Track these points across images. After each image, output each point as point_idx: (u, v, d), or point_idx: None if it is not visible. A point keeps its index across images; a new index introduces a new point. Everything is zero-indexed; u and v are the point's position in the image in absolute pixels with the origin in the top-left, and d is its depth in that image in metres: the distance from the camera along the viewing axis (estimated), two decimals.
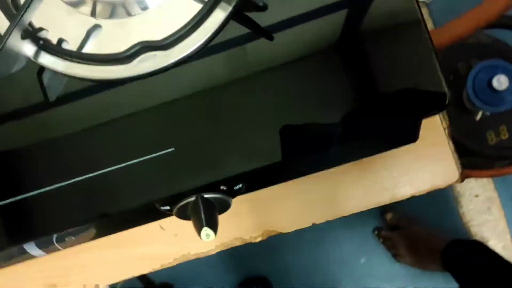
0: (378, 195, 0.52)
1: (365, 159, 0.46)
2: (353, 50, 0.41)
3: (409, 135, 0.43)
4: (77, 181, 0.40)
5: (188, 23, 0.39)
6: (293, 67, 0.41)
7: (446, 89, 0.36)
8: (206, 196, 0.42)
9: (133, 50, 0.38)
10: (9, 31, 0.36)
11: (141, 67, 0.39)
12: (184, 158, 0.40)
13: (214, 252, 0.55)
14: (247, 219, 0.54)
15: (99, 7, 0.41)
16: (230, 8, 0.38)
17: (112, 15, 0.41)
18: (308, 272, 1.38)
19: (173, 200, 0.43)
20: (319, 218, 0.52)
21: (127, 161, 0.40)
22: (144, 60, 0.39)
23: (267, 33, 0.41)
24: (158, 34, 0.39)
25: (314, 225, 0.52)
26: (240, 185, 0.43)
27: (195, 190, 0.41)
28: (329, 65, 0.41)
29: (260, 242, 0.54)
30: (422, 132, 0.45)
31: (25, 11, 0.36)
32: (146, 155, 0.40)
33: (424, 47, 0.37)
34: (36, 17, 0.40)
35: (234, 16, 0.39)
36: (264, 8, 0.35)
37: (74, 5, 0.41)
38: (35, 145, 0.42)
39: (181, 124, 0.40)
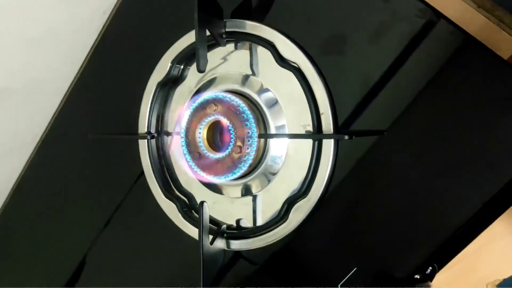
0: None
1: None
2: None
3: None
4: None
5: (310, 164, 0.45)
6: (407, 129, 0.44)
7: None
8: None
9: (284, 209, 0.46)
10: (200, 243, 0.47)
11: (296, 218, 0.46)
12: (368, 269, 0.45)
13: None
14: (463, 284, 0.54)
15: (253, 185, 0.51)
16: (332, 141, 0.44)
17: (262, 186, 0.50)
18: None
19: None
20: None
21: None
22: (294, 212, 0.46)
23: (377, 131, 0.45)
24: (295, 184, 0.47)
25: None
26: (430, 267, 0.45)
27: None
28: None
29: None
30: None
31: (202, 225, 0.47)
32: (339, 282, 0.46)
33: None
34: (212, 213, 0.51)
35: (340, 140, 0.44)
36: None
37: (233, 197, 0.51)
38: None
39: (348, 243, 0.46)
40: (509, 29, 0.52)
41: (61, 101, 0.67)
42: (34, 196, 0.70)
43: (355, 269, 0.45)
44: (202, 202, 0.48)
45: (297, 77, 0.46)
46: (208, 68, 0.51)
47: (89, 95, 0.63)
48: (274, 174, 0.49)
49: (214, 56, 0.52)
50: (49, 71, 0.64)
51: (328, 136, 0.43)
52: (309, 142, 0.46)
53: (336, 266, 0.46)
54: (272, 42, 0.47)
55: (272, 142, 0.48)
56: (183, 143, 0.51)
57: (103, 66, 0.62)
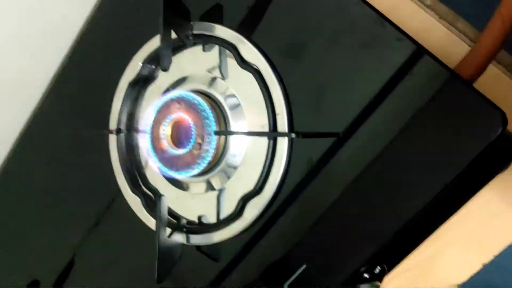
0: None
1: None
2: None
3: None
4: None
5: (264, 163, 0.47)
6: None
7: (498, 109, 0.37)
8: None
9: (239, 207, 0.48)
10: (157, 235, 0.49)
11: (251, 215, 0.48)
12: (316, 267, 0.46)
13: None
14: None
15: (213, 182, 0.52)
16: (286, 137, 0.45)
17: (222, 183, 0.52)
18: None
19: None
20: (486, 256, 0.50)
21: None
22: (250, 209, 0.48)
23: (332, 134, 0.47)
24: (251, 182, 0.48)
25: (485, 266, 0.50)
26: (379, 267, 0.47)
27: None
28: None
29: None
30: None
31: (160, 217, 0.49)
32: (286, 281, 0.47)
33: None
34: (174, 208, 0.53)
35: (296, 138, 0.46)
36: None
37: (195, 193, 0.53)
38: None
39: (299, 240, 0.47)
40: (469, 41, 0.53)
41: (40, 99, 0.69)
42: (12, 194, 0.72)
43: (304, 266, 0.46)
44: (160, 195, 0.49)
45: (256, 79, 0.47)
46: (178, 68, 0.53)
47: (66, 94, 0.66)
48: (234, 170, 0.50)
49: (184, 56, 0.54)
50: (30, 69, 0.66)
51: (280, 134, 0.45)
52: (266, 142, 0.47)
53: (286, 263, 0.47)
54: (235, 45, 0.49)
55: (232, 141, 0.50)
56: (149, 140, 0.52)
57: (80, 64, 0.64)
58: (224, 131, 0.48)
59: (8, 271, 0.69)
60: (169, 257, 0.49)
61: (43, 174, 0.67)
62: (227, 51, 0.51)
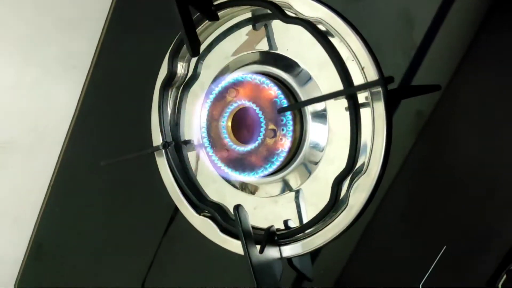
0: None
1: None
2: None
3: None
4: None
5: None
6: None
7: None
8: None
9: (337, 192, 0.38)
10: (246, 254, 0.39)
11: (357, 200, 0.38)
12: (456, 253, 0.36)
13: None
14: None
15: (291, 180, 0.43)
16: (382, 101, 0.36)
17: (303, 177, 0.42)
18: None
19: None
20: None
21: None
22: (354, 192, 0.38)
23: (433, 86, 0.37)
24: (343, 162, 0.39)
25: None
26: None
27: None
28: None
29: None
30: None
31: (242, 230, 0.39)
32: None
33: None
34: (254, 221, 0.43)
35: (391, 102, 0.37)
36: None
37: (275, 195, 0.43)
38: None
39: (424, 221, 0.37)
40: None
41: (64, 140, 0.61)
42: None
43: (444, 247, 0.36)
44: (236, 206, 0.40)
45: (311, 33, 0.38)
46: (220, 56, 0.45)
47: (94, 124, 0.57)
48: (320, 153, 0.41)
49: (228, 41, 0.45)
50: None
51: (370, 85, 0.35)
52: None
53: (416, 255, 0.37)
54: (286, 2, 0.40)
55: (309, 118, 0.40)
56: (207, 143, 0.43)
57: (103, 87, 0.56)
58: (298, 103, 0.39)
59: None
60: (268, 277, 0.39)
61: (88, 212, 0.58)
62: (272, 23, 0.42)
